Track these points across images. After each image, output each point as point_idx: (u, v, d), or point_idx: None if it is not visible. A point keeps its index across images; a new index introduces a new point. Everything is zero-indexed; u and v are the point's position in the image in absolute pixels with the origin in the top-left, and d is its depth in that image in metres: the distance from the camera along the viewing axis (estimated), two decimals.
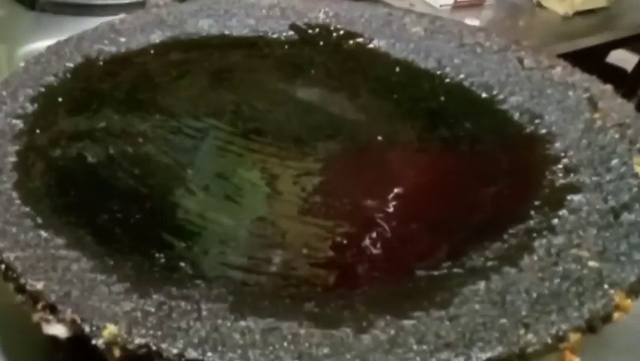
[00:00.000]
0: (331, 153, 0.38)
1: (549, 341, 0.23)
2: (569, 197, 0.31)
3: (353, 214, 0.33)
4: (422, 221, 0.32)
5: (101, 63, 0.43)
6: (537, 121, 0.38)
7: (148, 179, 0.36)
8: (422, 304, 0.25)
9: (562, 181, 0.33)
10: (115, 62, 0.43)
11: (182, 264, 0.29)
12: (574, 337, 0.23)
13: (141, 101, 0.41)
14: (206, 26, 0.47)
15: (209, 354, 0.22)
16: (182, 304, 0.25)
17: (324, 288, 0.28)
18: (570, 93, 0.38)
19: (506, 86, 0.41)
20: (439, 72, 0.43)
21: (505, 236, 0.30)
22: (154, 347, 0.22)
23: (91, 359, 0.24)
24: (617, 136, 0.34)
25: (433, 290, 0.26)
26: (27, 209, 0.29)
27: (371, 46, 0.46)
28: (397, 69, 0.44)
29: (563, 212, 0.30)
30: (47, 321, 0.24)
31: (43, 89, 0.38)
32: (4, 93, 0.37)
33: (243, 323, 0.24)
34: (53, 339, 0.24)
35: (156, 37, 0.46)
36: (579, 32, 0.76)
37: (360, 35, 0.47)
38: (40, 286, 0.25)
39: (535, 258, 0.28)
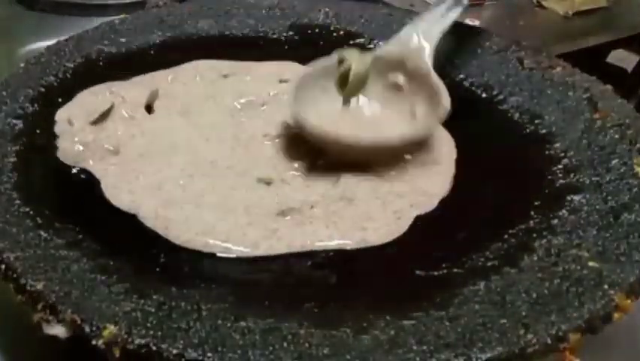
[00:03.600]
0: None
1: (549, 341, 0.23)
2: (569, 197, 0.31)
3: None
4: (422, 221, 0.32)
5: (101, 63, 0.43)
6: (537, 121, 0.38)
7: None
8: (422, 304, 0.25)
9: (562, 181, 0.33)
10: (115, 62, 0.43)
11: (182, 264, 0.29)
12: (574, 337, 0.23)
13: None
14: (206, 26, 0.47)
15: (209, 354, 0.22)
16: (182, 304, 0.25)
17: (324, 288, 0.28)
18: (570, 93, 0.38)
19: (506, 86, 0.41)
20: (439, 72, 0.43)
21: (505, 236, 0.30)
22: (154, 348, 0.22)
23: (91, 359, 0.24)
24: (617, 136, 0.34)
25: (433, 290, 0.26)
26: (27, 209, 0.29)
27: (371, 46, 0.46)
28: None
29: (563, 212, 0.30)
30: (47, 321, 0.24)
31: (43, 89, 0.38)
32: (4, 93, 0.37)
33: (243, 323, 0.24)
34: (53, 339, 0.24)
35: (156, 38, 0.46)
36: (579, 32, 0.76)
37: (360, 35, 0.47)
38: (40, 286, 0.25)
39: (535, 258, 0.28)
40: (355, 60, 0.38)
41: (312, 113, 0.35)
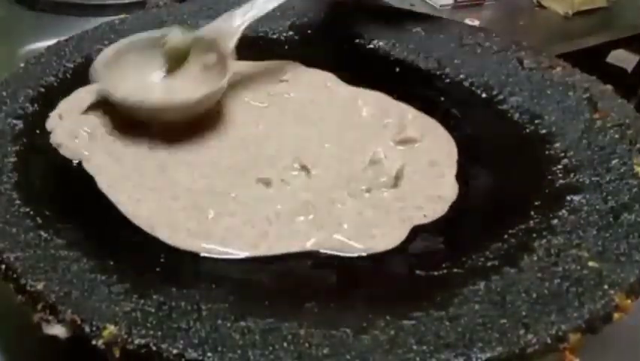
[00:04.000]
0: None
1: (549, 341, 0.23)
2: (569, 197, 0.31)
3: None
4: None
5: None
6: (537, 121, 0.38)
7: None
8: (422, 304, 0.25)
9: (562, 181, 0.33)
10: None
11: (182, 264, 0.29)
12: (574, 337, 0.23)
13: None
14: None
15: (209, 354, 0.22)
16: (182, 304, 0.25)
17: (324, 288, 0.28)
18: (570, 93, 0.38)
19: (506, 86, 0.41)
20: (439, 72, 0.43)
21: (505, 236, 0.30)
22: (154, 348, 0.22)
23: (91, 359, 0.24)
24: (617, 136, 0.34)
25: (433, 290, 0.26)
26: (27, 209, 0.29)
27: (371, 46, 0.46)
28: (397, 69, 0.44)
29: (563, 212, 0.30)
30: (47, 321, 0.24)
31: (43, 89, 0.38)
32: (4, 93, 0.37)
33: (242, 323, 0.24)
34: (53, 339, 0.24)
35: None
36: (579, 32, 0.76)
37: (361, 36, 0.47)
38: (40, 286, 0.25)
39: (535, 258, 0.28)
40: (176, 37, 0.40)
41: (127, 82, 0.37)
